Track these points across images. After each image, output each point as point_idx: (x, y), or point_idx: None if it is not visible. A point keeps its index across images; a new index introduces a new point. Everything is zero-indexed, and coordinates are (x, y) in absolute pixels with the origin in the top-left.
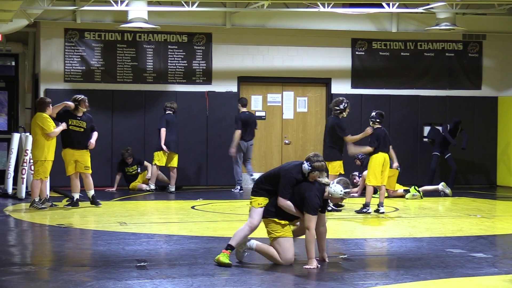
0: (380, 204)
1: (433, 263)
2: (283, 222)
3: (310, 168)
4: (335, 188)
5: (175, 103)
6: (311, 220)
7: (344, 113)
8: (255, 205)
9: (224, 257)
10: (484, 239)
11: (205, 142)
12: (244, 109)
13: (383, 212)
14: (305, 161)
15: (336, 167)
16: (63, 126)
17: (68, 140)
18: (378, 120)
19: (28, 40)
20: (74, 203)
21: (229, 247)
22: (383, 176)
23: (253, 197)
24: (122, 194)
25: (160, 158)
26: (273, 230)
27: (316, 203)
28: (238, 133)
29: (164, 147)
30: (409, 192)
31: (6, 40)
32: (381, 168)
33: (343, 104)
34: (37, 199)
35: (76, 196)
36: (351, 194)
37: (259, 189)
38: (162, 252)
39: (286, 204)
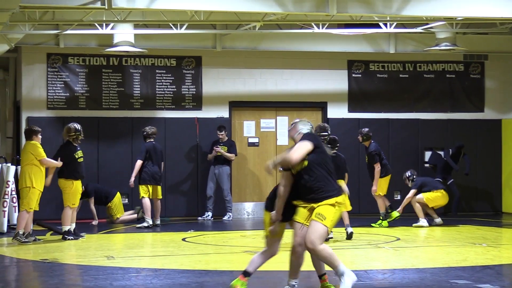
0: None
1: None
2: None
3: None
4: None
5: (154, 128)
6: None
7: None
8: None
9: (242, 285)
10: (491, 269)
11: (195, 170)
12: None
13: (331, 237)
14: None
15: None
16: (59, 163)
17: (78, 172)
18: (329, 146)
19: (9, 66)
20: (77, 234)
21: (246, 274)
22: None
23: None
24: (104, 227)
25: (146, 191)
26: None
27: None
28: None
29: (131, 181)
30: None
31: None
32: None
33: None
34: (21, 232)
35: (73, 226)
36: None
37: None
38: (152, 287)
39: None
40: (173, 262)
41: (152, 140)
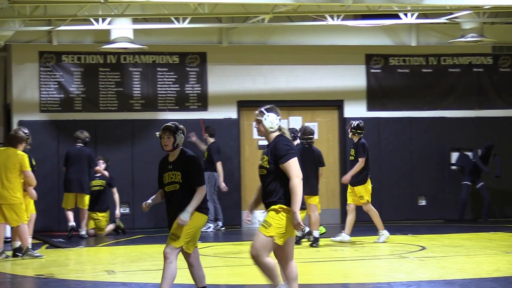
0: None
1: None
2: None
3: None
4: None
5: (85, 132)
6: None
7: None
8: None
9: None
10: None
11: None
12: (212, 139)
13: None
14: None
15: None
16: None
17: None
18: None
19: None
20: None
21: None
22: None
23: None
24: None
25: (65, 200)
26: None
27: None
28: (220, 164)
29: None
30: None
31: None
32: None
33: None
34: (29, 246)
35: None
36: None
37: None
38: None
39: None
40: (179, 276)
41: (79, 145)
